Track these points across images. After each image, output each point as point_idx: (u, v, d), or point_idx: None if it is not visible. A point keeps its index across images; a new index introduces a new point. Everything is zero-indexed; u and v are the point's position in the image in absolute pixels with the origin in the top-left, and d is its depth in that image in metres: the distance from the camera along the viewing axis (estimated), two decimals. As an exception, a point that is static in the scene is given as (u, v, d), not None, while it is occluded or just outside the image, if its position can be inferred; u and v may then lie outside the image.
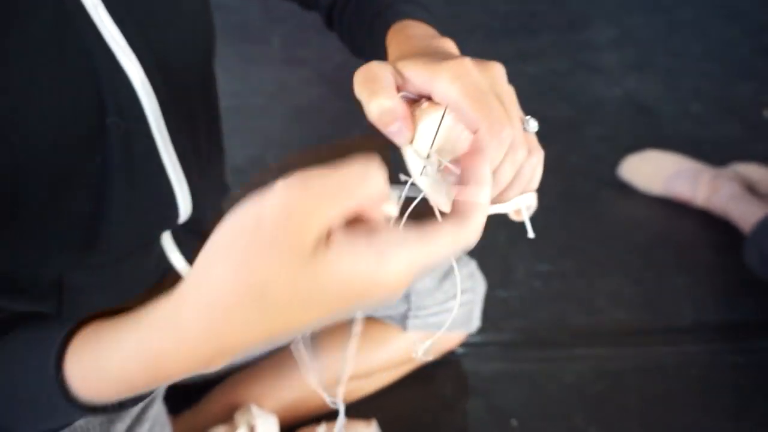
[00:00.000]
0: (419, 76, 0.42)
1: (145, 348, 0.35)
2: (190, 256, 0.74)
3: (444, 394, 1.03)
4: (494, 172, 0.42)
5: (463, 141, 0.42)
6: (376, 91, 0.41)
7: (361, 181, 0.32)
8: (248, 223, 0.32)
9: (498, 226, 1.32)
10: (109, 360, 0.37)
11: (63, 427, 0.43)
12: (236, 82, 1.75)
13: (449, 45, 0.51)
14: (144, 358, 0.35)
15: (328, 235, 0.32)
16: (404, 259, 0.32)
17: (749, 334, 1.13)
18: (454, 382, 1.05)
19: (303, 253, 0.31)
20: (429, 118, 0.42)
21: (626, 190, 1.42)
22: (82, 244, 0.61)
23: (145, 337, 0.35)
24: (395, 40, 0.55)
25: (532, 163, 0.45)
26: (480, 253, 1.28)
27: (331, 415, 0.96)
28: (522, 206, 0.53)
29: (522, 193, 0.47)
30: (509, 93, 0.44)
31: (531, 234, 0.54)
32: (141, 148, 0.59)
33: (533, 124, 0.45)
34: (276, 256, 0.31)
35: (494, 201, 0.44)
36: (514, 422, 0.99)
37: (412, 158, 0.43)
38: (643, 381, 1.05)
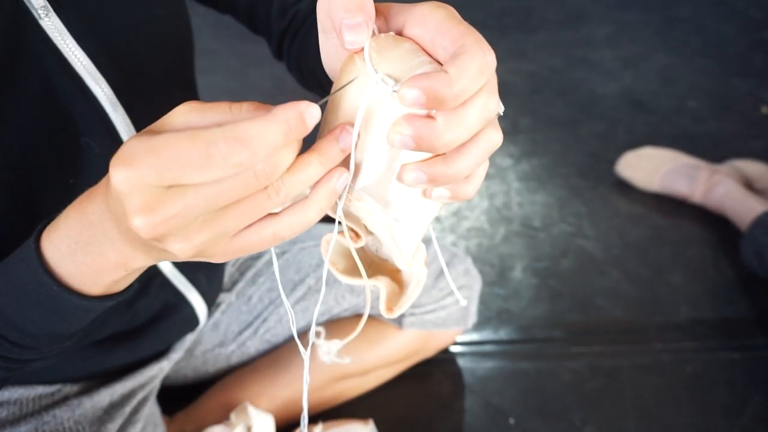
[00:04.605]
0: (394, 10, 0.38)
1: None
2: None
3: (441, 393, 1.03)
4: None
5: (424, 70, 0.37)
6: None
7: None
8: None
9: (495, 223, 1.33)
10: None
11: (80, 322, 0.46)
12: (233, 81, 1.75)
13: None
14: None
15: None
16: None
17: (745, 331, 1.13)
18: (451, 381, 1.05)
19: None
20: (390, 45, 0.37)
21: (623, 186, 1.41)
22: None
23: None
24: None
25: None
26: (477, 251, 1.28)
27: (327, 415, 0.96)
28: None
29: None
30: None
31: (462, 302, 0.50)
32: None
33: None
34: None
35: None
36: (511, 420, 0.99)
37: (366, 73, 0.37)
38: (640, 378, 1.05)
